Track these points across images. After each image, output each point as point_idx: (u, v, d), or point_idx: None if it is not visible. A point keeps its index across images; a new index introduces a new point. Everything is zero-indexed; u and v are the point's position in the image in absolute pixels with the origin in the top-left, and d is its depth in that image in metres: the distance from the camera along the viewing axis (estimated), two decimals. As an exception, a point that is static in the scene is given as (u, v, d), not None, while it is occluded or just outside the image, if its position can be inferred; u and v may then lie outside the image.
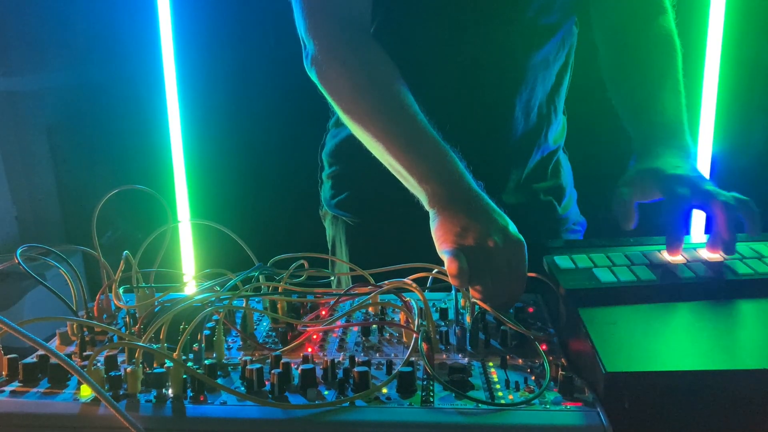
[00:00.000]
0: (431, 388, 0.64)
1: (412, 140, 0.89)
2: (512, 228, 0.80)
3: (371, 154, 0.93)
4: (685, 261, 0.83)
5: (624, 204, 0.93)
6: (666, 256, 0.84)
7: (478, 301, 0.77)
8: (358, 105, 0.93)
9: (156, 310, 0.80)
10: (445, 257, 0.78)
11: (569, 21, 1.07)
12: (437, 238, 0.82)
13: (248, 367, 0.64)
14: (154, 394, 0.63)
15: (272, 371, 0.63)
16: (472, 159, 0.89)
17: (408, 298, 0.77)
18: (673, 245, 0.83)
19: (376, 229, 1.13)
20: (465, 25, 1.01)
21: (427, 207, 0.85)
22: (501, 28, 1.01)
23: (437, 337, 0.74)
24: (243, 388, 0.64)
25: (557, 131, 1.14)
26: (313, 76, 0.97)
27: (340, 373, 0.64)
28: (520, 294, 0.79)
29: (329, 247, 1.22)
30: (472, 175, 0.86)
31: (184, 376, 0.63)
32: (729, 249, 0.82)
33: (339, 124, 1.17)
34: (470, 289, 0.77)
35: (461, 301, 0.78)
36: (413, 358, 0.68)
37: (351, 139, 0.99)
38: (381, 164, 0.93)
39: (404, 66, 0.96)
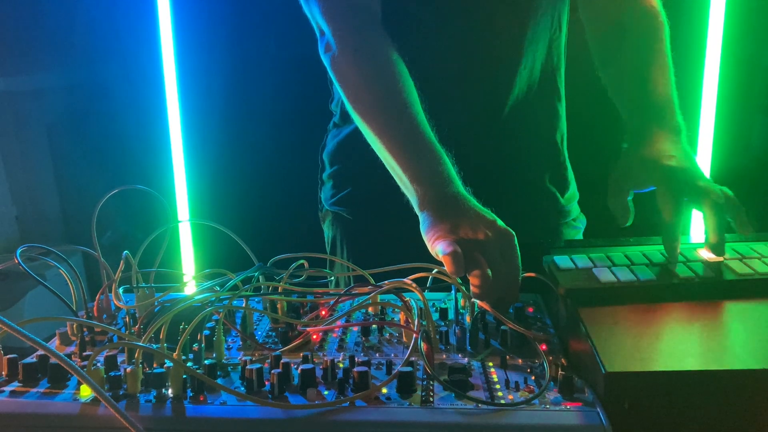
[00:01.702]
0: (431, 388, 0.64)
1: (408, 140, 0.90)
2: (500, 222, 0.81)
3: (372, 152, 0.94)
4: (685, 261, 0.83)
5: (619, 198, 0.94)
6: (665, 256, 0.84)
7: (479, 302, 0.77)
8: (364, 97, 0.95)
9: (156, 310, 0.80)
10: (438, 252, 0.79)
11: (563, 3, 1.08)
12: (429, 238, 0.83)
13: (248, 367, 0.64)
14: (154, 394, 0.63)
15: (272, 371, 0.63)
16: (486, 148, 0.88)
17: (408, 298, 0.77)
18: (670, 242, 0.84)
19: (375, 226, 1.13)
20: (457, 3, 1.02)
21: (416, 209, 0.87)
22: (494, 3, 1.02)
23: (437, 337, 0.74)
24: (243, 388, 0.64)
25: (561, 114, 1.14)
26: (326, 62, 0.98)
27: (340, 373, 0.64)
28: (517, 287, 0.79)
29: (328, 250, 1.22)
30: (462, 180, 0.87)
31: (184, 376, 0.63)
32: (718, 251, 0.82)
33: (339, 124, 1.17)
34: (470, 284, 0.77)
35: (461, 301, 0.78)
36: (413, 358, 0.68)
37: (351, 138, 0.99)
38: (381, 162, 0.94)
39: (404, 47, 0.97)
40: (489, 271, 0.77)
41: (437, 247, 0.80)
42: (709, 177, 0.91)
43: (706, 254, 0.84)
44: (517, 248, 0.80)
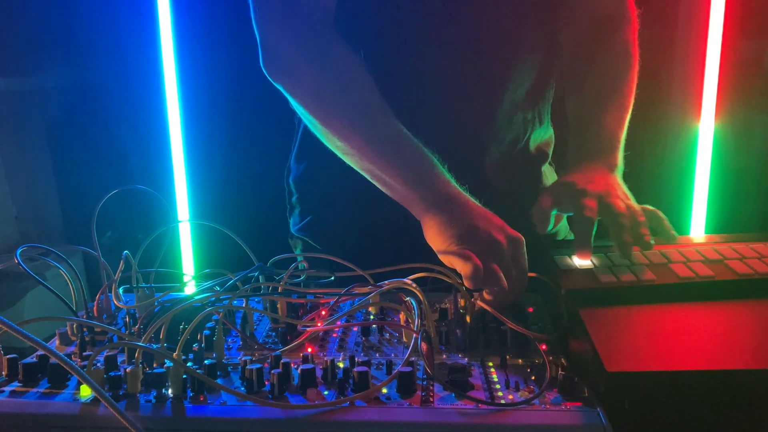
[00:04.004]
0: (431, 388, 0.64)
1: (397, 147, 0.87)
2: (508, 226, 0.81)
3: (335, 176, 0.91)
4: (685, 261, 0.83)
5: (541, 210, 0.93)
6: (667, 255, 0.84)
7: (479, 302, 0.77)
8: (340, 110, 0.90)
9: (156, 310, 0.80)
10: (455, 259, 0.78)
11: (551, 25, 1.05)
12: (439, 243, 0.81)
13: (248, 367, 0.64)
14: (154, 394, 0.63)
15: (272, 371, 0.63)
16: (451, 166, 0.88)
17: (408, 298, 0.77)
18: (582, 254, 0.84)
19: (340, 253, 1.10)
20: (445, 21, 0.98)
21: (417, 214, 0.85)
22: (482, 24, 0.99)
23: (437, 337, 0.74)
24: (243, 388, 0.64)
25: (541, 139, 1.11)
26: (281, 80, 0.92)
27: (340, 373, 0.64)
28: (523, 290, 0.80)
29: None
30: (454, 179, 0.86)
31: (184, 376, 0.63)
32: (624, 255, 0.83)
33: (302, 143, 1.12)
34: (484, 291, 0.77)
35: (461, 301, 0.78)
36: (413, 358, 0.68)
37: (315, 162, 0.96)
38: (348, 186, 0.90)
39: (378, 71, 0.92)
40: (505, 284, 0.76)
41: (453, 257, 0.78)
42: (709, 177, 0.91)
43: (712, 252, 0.84)
44: (525, 255, 0.80)
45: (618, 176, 0.95)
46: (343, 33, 0.94)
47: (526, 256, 0.80)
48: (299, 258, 1.03)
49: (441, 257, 0.81)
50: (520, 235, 0.80)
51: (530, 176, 1.11)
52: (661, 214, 0.89)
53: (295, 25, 0.92)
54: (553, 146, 1.15)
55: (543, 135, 1.12)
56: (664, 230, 0.89)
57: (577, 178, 0.92)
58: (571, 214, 0.91)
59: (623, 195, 0.90)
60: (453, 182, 0.86)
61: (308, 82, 0.92)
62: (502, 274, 0.76)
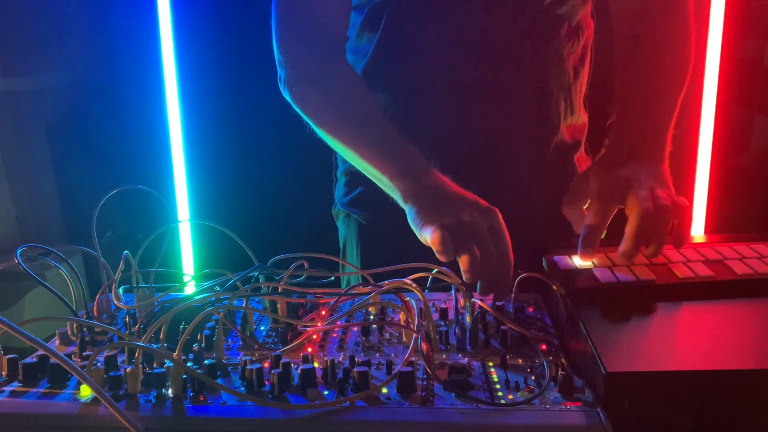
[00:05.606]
0: (431, 388, 0.64)
1: (381, 143, 0.93)
2: (483, 201, 0.83)
3: None
4: (685, 261, 0.83)
5: (574, 206, 0.97)
6: (667, 255, 0.84)
7: (479, 302, 0.77)
8: (330, 116, 0.98)
9: (156, 310, 0.80)
10: (426, 236, 0.80)
11: (584, 10, 1.05)
12: (416, 225, 0.84)
13: (248, 367, 0.64)
14: (154, 394, 0.63)
15: (272, 371, 0.63)
16: (485, 153, 0.93)
17: (408, 298, 0.77)
18: (586, 249, 0.84)
19: (387, 228, 1.10)
20: (474, 13, 1.00)
21: (401, 203, 0.89)
22: (512, 16, 1.00)
23: (437, 337, 0.74)
24: (243, 388, 0.64)
25: (575, 128, 1.12)
26: (287, 97, 1.00)
27: (340, 373, 0.64)
28: (510, 267, 0.80)
29: (340, 248, 1.22)
30: (439, 169, 0.89)
31: (184, 376, 0.63)
32: (627, 257, 0.83)
33: None
34: (461, 268, 0.77)
35: (461, 301, 0.78)
36: (413, 358, 0.68)
37: None
38: None
39: (409, 61, 0.97)
40: (477, 253, 0.77)
41: (424, 233, 0.81)
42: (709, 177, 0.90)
43: (711, 252, 0.83)
44: (503, 225, 0.81)
45: (663, 168, 0.95)
46: (375, 41, 1.02)
47: (504, 228, 0.81)
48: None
49: (420, 238, 0.83)
50: (493, 207, 0.82)
51: (564, 166, 1.12)
52: (689, 214, 0.87)
53: (307, 55, 1.00)
54: (586, 133, 1.15)
55: (575, 121, 1.12)
56: (678, 231, 0.86)
57: (610, 163, 0.93)
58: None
59: (659, 188, 0.88)
60: (435, 172, 0.88)
61: (304, 95, 0.99)
62: (472, 245, 0.77)
